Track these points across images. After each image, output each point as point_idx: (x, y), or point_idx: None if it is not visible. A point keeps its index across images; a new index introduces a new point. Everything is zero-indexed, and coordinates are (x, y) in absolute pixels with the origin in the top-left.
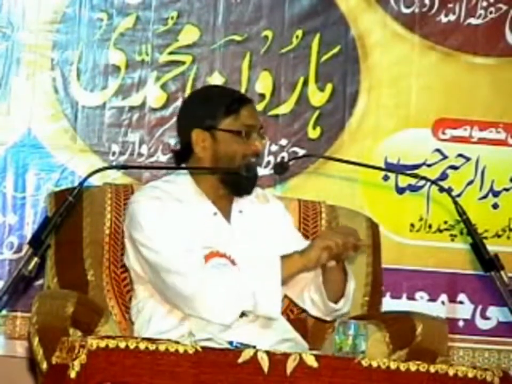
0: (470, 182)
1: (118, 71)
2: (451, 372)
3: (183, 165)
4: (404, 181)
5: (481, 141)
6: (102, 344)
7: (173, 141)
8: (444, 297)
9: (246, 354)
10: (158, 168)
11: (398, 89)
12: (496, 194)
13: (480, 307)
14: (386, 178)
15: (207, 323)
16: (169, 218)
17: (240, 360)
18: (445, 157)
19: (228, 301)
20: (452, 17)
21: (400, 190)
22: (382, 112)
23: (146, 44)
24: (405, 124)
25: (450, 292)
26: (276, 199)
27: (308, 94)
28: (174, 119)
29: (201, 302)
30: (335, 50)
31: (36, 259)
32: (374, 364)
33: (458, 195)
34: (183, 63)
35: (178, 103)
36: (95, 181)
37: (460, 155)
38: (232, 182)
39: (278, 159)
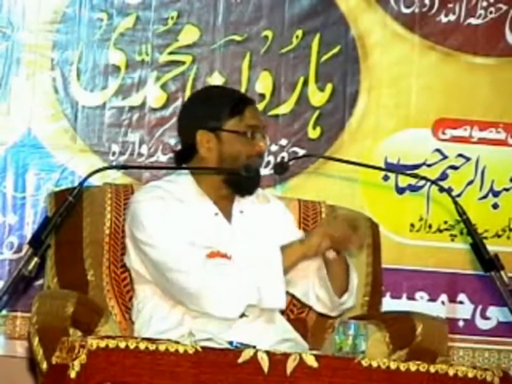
0: (470, 182)
1: (118, 71)
2: (451, 372)
3: (184, 165)
4: (404, 181)
5: (481, 141)
6: (102, 344)
7: (173, 141)
8: (443, 297)
9: (246, 354)
10: (158, 168)
11: (398, 89)
12: (496, 194)
13: (480, 307)
14: (386, 178)
15: (207, 323)
16: (171, 218)
17: (240, 360)
18: (445, 157)
19: (231, 295)
20: (452, 17)
21: (400, 190)
22: (382, 112)
23: (146, 44)
24: (405, 124)
25: (450, 291)
26: (276, 199)
27: (308, 94)
28: (174, 119)
29: (205, 297)
30: (335, 50)
31: (35, 259)
32: (374, 364)
33: (458, 195)
34: (183, 63)
35: (178, 103)
36: (95, 181)
37: (460, 155)
38: (236, 183)
39: (278, 159)
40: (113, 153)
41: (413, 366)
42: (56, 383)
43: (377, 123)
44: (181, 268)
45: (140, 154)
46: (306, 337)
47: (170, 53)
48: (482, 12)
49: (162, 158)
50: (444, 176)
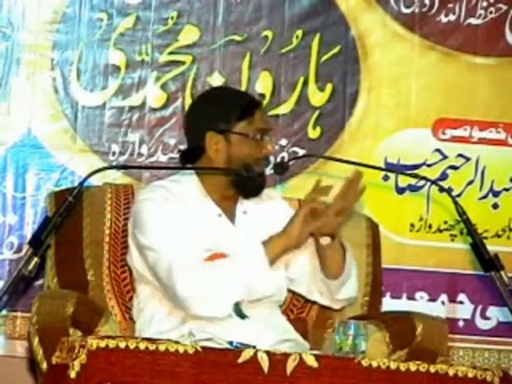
0: (470, 182)
1: (118, 71)
2: (451, 372)
3: (190, 165)
4: (404, 181)
5: (481, 141)
6: (102, 344)
7: (173, 141)
8: (444, 297)
9: (246, 354)
10: (158, 168)
11: (398, 89)
12: (496, 194)
13: (480, 307)
14: (386, 178)
15: (207, 323)
16: (173, 219)
17: (240, 360)
18: (445, 157)
19: (217, 294)
20: (451, 17)
21: (400, 190)
22: (382, 112)
23: (146, 44)
24: (405, 124)
25: (450, 291)
26: (280, 198)
27: (308, 94)
28: (174, 119)
29: (192, 300)
30: (335, 50)
31: (35, 259)
32: (374, 364)
33: (458, 195)
34: (183, 63)
35: (178, 103)
36: (95, 181)
37: (460, 155)
38: (242, 184)
39: (278, 159)
40: (113, 153)
41: (413, 366)
42: (56, 383)
43: (377, 123)
44: (177, 273)
45: (140, 154)
46: (306, 337)
47: (170, 53)
48: (482, 12)
49: (162, 158)
50: (443, 176)
